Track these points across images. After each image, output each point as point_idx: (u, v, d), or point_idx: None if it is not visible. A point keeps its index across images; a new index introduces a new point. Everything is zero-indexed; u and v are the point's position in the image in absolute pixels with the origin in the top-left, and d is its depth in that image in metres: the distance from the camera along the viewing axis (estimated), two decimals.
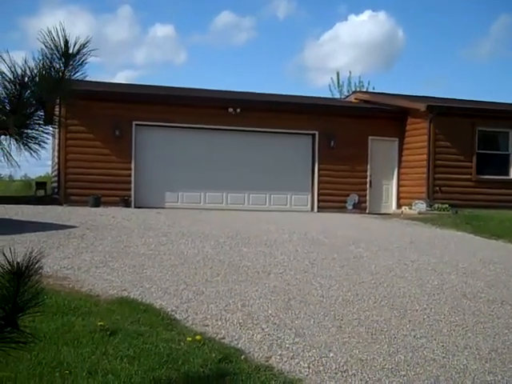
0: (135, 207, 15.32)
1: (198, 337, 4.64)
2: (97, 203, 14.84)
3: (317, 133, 17.27)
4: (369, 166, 17.73)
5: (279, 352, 4.66)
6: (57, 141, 15.85)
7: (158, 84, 19.69)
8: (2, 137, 1.85)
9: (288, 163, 17.09)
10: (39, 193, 19.15)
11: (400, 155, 17.95)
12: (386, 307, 6.25)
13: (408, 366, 4.59)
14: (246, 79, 58.83)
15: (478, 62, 59.45)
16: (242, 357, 4.41)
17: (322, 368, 4.41)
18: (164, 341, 4.47)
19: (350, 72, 35.27)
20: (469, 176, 16.90)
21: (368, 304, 6.32)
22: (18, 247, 6.99)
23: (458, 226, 13.58)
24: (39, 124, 1.91)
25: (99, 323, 4.61)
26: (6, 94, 1.84)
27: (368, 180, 17.73)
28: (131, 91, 16.99)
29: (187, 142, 16.29)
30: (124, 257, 7.82)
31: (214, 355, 4.27)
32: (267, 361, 4.46)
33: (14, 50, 1.86)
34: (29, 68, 1.84)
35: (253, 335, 5.01)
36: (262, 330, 5.18)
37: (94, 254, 7.84)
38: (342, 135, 17.21)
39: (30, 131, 1.88)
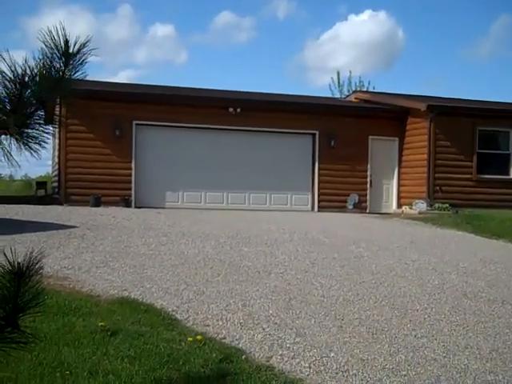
0: (136, 207, 15.32)
1: (198, 337, 4.64)
2: (97, 203, 14.84)
3: (317, 132, 17.27)
4: (369, 166, 17.73)
5: (280, 352, 4.66)
6: (57, 140, 15.85)
7: (159, 84, 19.71)
8: (3, 136, 1.85)
9: (288, 163, 17.08)
10: (40, 193, 19.15)
11: (400, 155, 17.94)
12: (386, 307, 6.24)
13: (409, 365, 4.59)
14: (247, 79, 58.89)
15: (478, 61, 59.50)
16: (243, 357, 4.40)
17: (322, 368, 4.40)
18: (165, 341, 4.47)
19: (351, 72, 35.43)
20: (469, 176, 16.90)
21: (369, 304, 6.31)
22: (18, 247, 6.98)
23: (459, 225, 13.57)
24: (40, 124, 1.90)
25: (100, 323, 4.61)
26: (6, 93, 1.83)
27: (368, 180, 17.73)
28: (132, 91, 16.98)
29: (188, 141, 16.29)
30: (124, 257, 7.82)
31: (214, 355, 4.27)
32: (268, 361, 4.46)
33: (14, 50, 1.85)
34: (29, 67, 1.84)
35: (254, 335, 5.01)
36: (263, 329, 5.17)
37: (94, 254, 7.84)
38: (343, 135, 17.21)
39: (30, 131, 1.88)
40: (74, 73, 1.91)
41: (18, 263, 1.87)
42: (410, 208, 16.74)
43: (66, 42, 1.85)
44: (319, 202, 17.25)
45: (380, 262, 8.56)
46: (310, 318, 5.62)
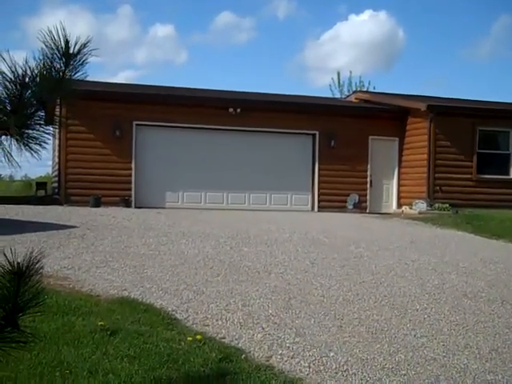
0: (136, 207, 15.33)
1: (198, 336, 4.64)
2: (97, 203, 14.84)
3: (317, 132, 17.27)
4: (369, 166, 17.73)
5: (280, 351, 4.66)
6: (57, 141, 15.86)
7: (159, 84, 19.71)
8: (3, 137, 1.85)
9: (288, 163, 17.09)
10: (40, 193, 19.15)
11: (400, 155, 17.95)
12: (386, 307, 6.25)
13: (408, 365, 4.59)
14: (247, 79, 58.85)
15: (478, 62, 59.48)
16: (243, 356, 4.41)
17: (322, 367, 4.41)
18: (164, 340, 4.47)
19: (351, 72, 35.47)
20: (469, 176, 16.90)
21: (368, 303, 6.32)
22: (18, 247, 6.99)
23: (459, 225, 13.58)
24: (40, 124, 1.91)
25: (100, 323, 4.62)
26: (6, 94, 1.84)
27: (368, 180, 17.73)
28: (132, 91, 16.99)
29: (188, 142, 16.29)
30: (124, 257, 7.82)
31: (214, 355, 4.28)
32: (268, 360, 4.47)
33: (14, 50, 1.86)
34: (29, 68, 1.84)
35: (253, 335, 5.01)
36: (263, 329, 5.18)
37: (94, 254, 7.85)
38: (343, 135, 17.22)
39: (30, 131, 1.88)
40: (75, 73, 1.92)
41: (18, 263, 1.88)
42: (410, 208, 16.75)
43: (67, 42, 1.85)
44: (319, 202, 17.26)
45: (380, 262, 8.57)
46: (309, 318, 5.62)
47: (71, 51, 1.87)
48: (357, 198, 17.46)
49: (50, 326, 4.48)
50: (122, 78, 64.64)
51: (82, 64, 1.91)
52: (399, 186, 17.99)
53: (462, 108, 17.39)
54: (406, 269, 8.26)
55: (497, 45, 58.67)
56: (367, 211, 17.42)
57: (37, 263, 1.91)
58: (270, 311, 5.75)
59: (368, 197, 17.70)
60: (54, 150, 17.75)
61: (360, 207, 17.39)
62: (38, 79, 1.86)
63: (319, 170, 17.26)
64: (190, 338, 4.58)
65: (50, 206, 14.41)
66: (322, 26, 63.62)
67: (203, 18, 63.99)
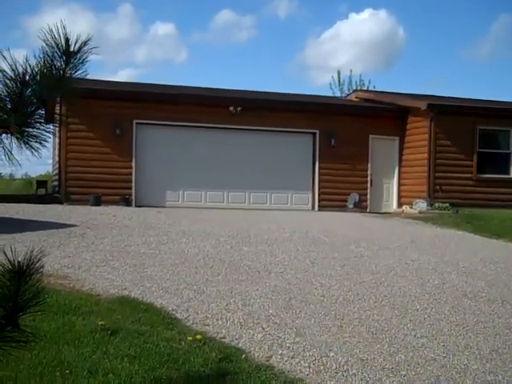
0: (136, 206, 15.32)
1: (198, 336, 4.64)
2: (97, 202, 14.84)
3: (317, 131, 17.26)
4: (369, 165, 17.72)
5: (280, 351, 4.66)
6: (57, 139, 15.86)
7: (159, 82, 19.70)
8: (3, 135, 1.85)
9: (289, 162, 17.08)
10: (40, 191, 19.16)
11: (401, 154, 17.94)
12: (386, 307, 6.24)
13: (408, 365, 4.59)
14: (247, 78, 58.92)
15: (478, 61, 59.51)
16: (243, 356, 4.40)
17: (322, 367, 4.40)
18: (165, 340, 4.47)
19: (351, 71, 35.40)
20: (469, 175, 16.89)
21: (369, 303, 6.31)
22: (18, 246, 6.99)
23: (459, 225, 13.57)
24: (40, 122, 1.90)
25: (100, 322, 4.61)
26: (7, 92, 1.83)
27: (369, 179, 17.72)
28: (132, 90, 16.97)
29: (188, 140, 16.29)
30: (125, 256, 7.82)
31: (214, 355, 4.27)
32: (268, 360, 4.46)
33: (15, 48, 1.85)
34: (30, 66, 1.83)
35: (253, 335, 5.00)
36: (263, 329, 5.17)
37: (94, 253, 7.84)
38: (343, 134, 17.21)
39: (31, 130, 1.88)
40: (75, 72, 1.91)
41: (19, 262, 1.87)
42: (411, 207, 16.74)
43: (67, 40, 1.84)
44: (319, 201, 17.25)
45: (380, 262, 8.56)
46: (309, 318, 5.62)
47: (72, 49, 1.86)
48: (357, 197, 17.45)
49: (51, 326, 4.48)
50: (122, 76, 64.77)
51: (82, 62, 1.91)
52: (399, 185, 17.99)
53: (462, 107, 17.37)
54: (406, 268, 8.25)
55: (497, 44, 58.74)
56: (367, 210, 17.41)
57: (37, 262, 1.90)
58: (271, 311, 5.74)
59: (368, 196, 17.70)
60: (54, 149, 17.75)
61: (360, 206, 17.38)
62: (38, 77, 1.85)
63: (319, 169, 17.25)
64: (191, 338, 4.57)
65: (50, 204, 14.40)
66: (323, 24, 63.71)
67: (203, 16, 64.13)
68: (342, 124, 17.28)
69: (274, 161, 16.91)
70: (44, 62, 1.85)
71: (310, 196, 17.33)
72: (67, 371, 3.67)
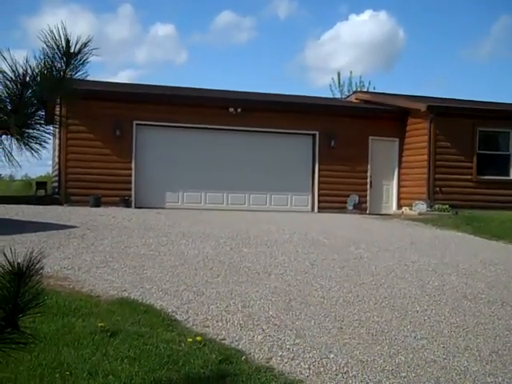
0: (135, 207, 15.32)
1: (198, 338, 4.63)
2: (97, 203, 14.83)
3: (317, 133, 17.27)
4: (369, 167, 17.73)
5: (280, 353, 4.65)
6: (57, 141, 15.85)
7: (159, 83, 19.70)
8: (3, 136, 1.84)
9: (288, 163, 17.08)
10: (40, 193, 19.14)
11: (400, 155, 17.94)
12: (386, 308, 6.24)
13: (408, 367, 4.58)
14: (247, 79, 58.87)
15: (478, 62, 59.51)
16: (243, 358, 4.40)
17: (322, 369, 4.40)
18: (164, 342, 4.46)
19: (351, 72, 35.45)
20: (469, 176, 16.89)
21: (368, 305, 6.31)
22: (18, 247, 6.98)
23: (459, 226, 13.57)
24: (40, 124, 1.90)
25: (100, 324, 4.60)
26: (7, 93, 1.83)
27: (368, 180, 17.72)
28: (132, 91, 16.97)
29: (188, 142, 16.28)
30: (124, 257, 7.81)
31: (214, 356, 4.26)
32: (268, 362, 4.45)
33: (15, 49, 1.85)
34: (30, 67, 1.83)
35: (253, 336, 5.00)
36: (263, 331, 5.17)
37: (94, 255, 7.84)
38: (343, 135, 17.21)
39: (31, 131, 1.87)
40: (75, 73, 1.91)
41: (18, 263, 1.87)
42: (410, 209, 16.74)
43: (67, 41, 1.84)
44: (319, 202, 17.25)
45: (380, 264, 8.56)
46: (309, 320, 5.61)
47: (72, 50, 1.86)
48: (357, 198, 17.45)
49: (50, 327, 4.47)
50: (123, 77, 64.71)
51: (82, 63, 1.90)
52: (399, 186, 17.98)
53: (462, 109, 17.38)
54: (406, 270, 8.25)
55: (497, 45, 58.74)
56: (367, 212, 17.41)
57: (37, 263, 1.90)
58: (270, 312, 5.73)
59: (368, 198, 17.70)
60: (54, 150, 17.74)
61: (360, 208, 17.38)
62: (38, 78, 1.85)
63: (319, 170, 17.25)
64: (190, 340, 4.56)
65: (49, 205, 14.39)
66: (323, 25, 63.64)
67: (204, 17, 64.10)
68: (342, 125, 17.29)
69: (274, 162, 16.91)
70: (44, 63, 1.85)
71: (310, 197, 17.33)
72: (67, 373, 3.66)
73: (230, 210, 15.84)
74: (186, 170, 16.15)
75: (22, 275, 1.87)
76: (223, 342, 4.79)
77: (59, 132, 15.00)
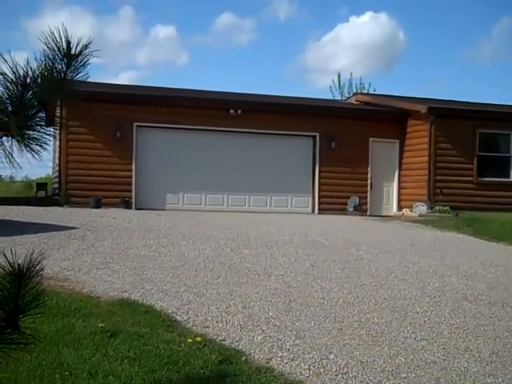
0: (136, 209, 15.32)
1: (198, 338, 4.64)
2: (97, 204, 14.84)
3: (318, 134, 17.27)
4: (369, 168, 17.73)
5: (280, 354, 4.66)
6: (58, 142, 15.85)
7: (160, 85, 19.72)
8: (4, 138, 1.85)
9: (289, 165, 17.08)
10: (40, 194, 19.15)
11: (401, 157, 17.94)
12: (386, 309, 6.24)
13: (408, 368, 4.59)
14: (248, 81, 58.90)
15: (479, 63, 59.50)
16: (243, 358, 4.40)
17: (322, 370, 4.40)
18: (165, 342, 4.47)
19: (351, 74, 35.51)
20: (470, 178, 16.89)
21: (369, 306, 6.31)
22: (18, 248, 6.99)
23: (459, 228, 13.57)
24: (41, 125, 1.90)
25: (100, 325, 4.61)
26: (7, 94, 1.83)
27: (369, 182, 17.72)
28: (132, 92, 16.98)
29: (188, 143, 16.29)
30: (125, 258, 7.82)
31: (214, 357, 4.27)
32: (268, 362, 4.46)
33: (15, 51, 1.85)
34: (31, 69, 1.84)
35: (253, 337, 5.01)
36: (263, 331, 5.17)
37: (94, 256, 7.84)
38: (343, 137, 17.21)
39: (31, 132, 1.88)
40: (76, 74, 1.92)
41: (19, 265, 1.88)
42: (411, 210, 16.74)
43: (68, 43, 1.85)
44: (319, 204, 17.25)
45: (380, 265, 8.56)
46: (309, 321, 5.62)
47: (73, 52, 1.87)
48: (357, 200, 17.45)
49: (51, 328, 4.48)
50: (123, 78, 64.67)
51: (83, 65, 1.91)
52: (400, 188, 17.98)
53: (462, 110, 17.39)
54: (406, 271, 8.25)
55: (498, 47, 58.70)
56: (367, 214, 17.40)
57: (37, 265, 1.90)
58: (271, 313, 5.74)
59: (368, 199, 17.69)
60: (54, 152, 17.75)
61: (360, 210, 17.38)
62: (39, 80, 1.86)
63: (320, 172, 17.25)
64: (191, 340, 4.57)
65: (50, 207, 14.39)
66: (323, 27, 63.68)
67: (204, 19, 64.14)
68: (343, 127, 17.30)
69: (275, 163, 16.91)
70: (45, 65, 1.86)
71: (310, 199, 17.33)
72: (67, 373, 3.67)
73: (230, 212, 15.84)
74: (186, 171, 16.16)
75: (23, 276, 1.88)
76: (223, 342, 4.80)
77: (60, 133, 14.98)
